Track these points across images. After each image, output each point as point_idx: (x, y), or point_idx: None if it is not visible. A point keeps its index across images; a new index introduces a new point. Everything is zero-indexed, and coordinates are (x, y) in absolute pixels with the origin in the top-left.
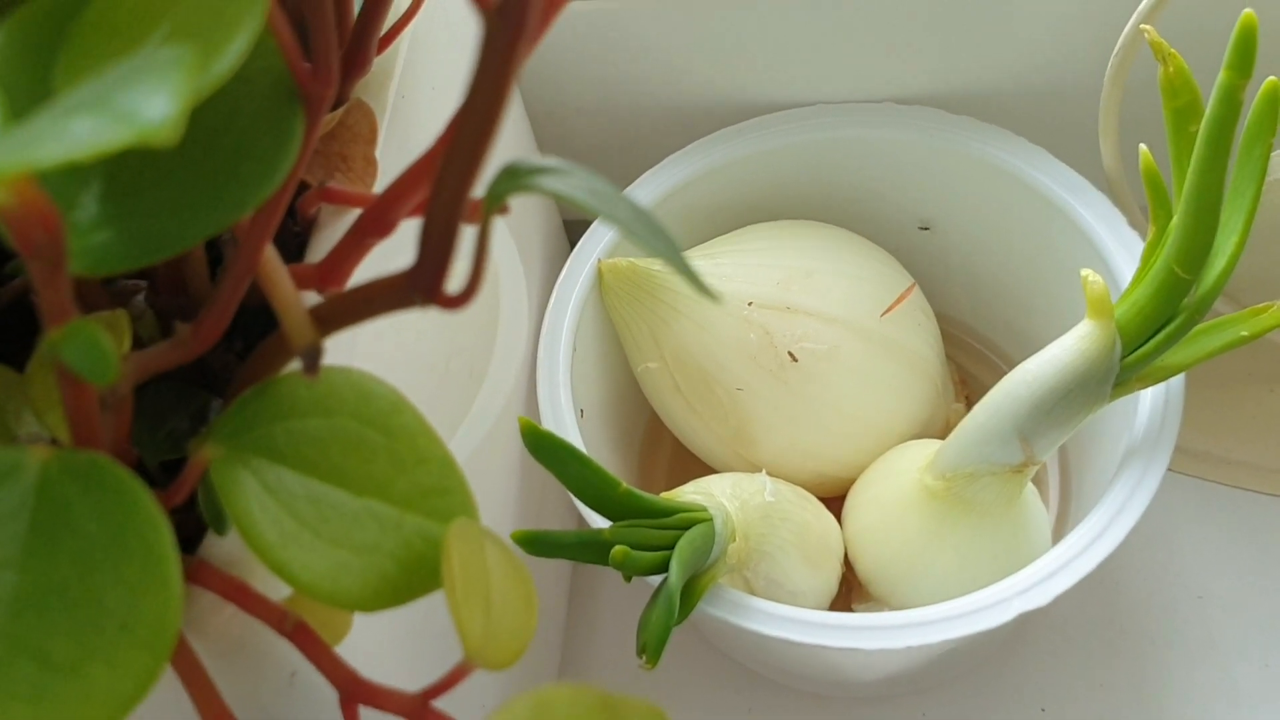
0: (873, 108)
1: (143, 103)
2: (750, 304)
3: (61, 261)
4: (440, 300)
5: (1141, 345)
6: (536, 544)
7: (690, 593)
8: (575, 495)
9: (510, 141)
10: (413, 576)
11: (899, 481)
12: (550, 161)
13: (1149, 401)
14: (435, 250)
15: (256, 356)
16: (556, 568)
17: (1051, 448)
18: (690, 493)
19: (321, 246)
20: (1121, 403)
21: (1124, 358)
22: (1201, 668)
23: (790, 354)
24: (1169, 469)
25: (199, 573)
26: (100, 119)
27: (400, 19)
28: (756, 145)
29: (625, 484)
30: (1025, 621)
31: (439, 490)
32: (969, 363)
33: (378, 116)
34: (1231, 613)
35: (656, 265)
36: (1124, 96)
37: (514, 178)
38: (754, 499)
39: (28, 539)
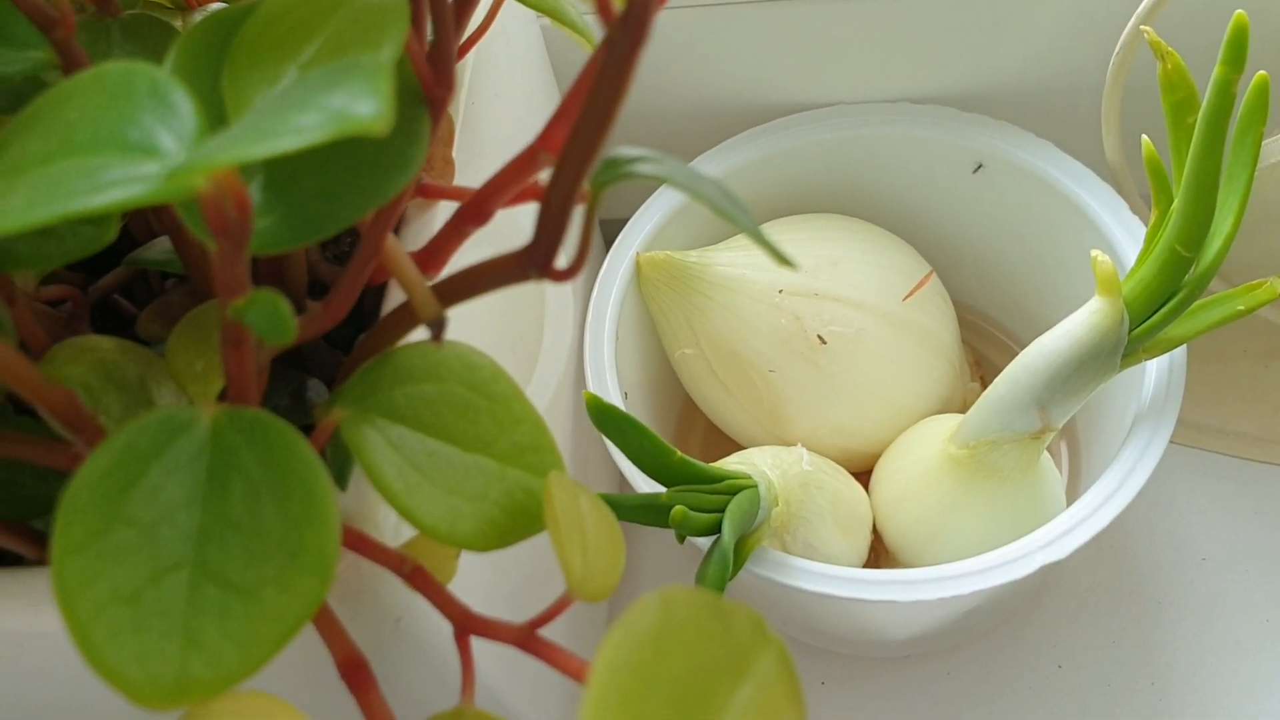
0: (889, 107)
1: (352, 103)
2: (781, 291)
3: (246, 240)
4: (552, 274)
5: (1147, 319)
6: None
7: (738, 553)
8: (634, 462)
9: None
10: (516, 522)
11: (924, 453)
12: (642, 151)
13: (1154, 371)
14: (550, 230)
15: (375, 331)
16: None
17: (1066, 415)
18: (734, 463)
19: (409, 240)
20: (1127, 374)
21: (1131, 331)
22: (1206, 624)
23: (820, 337)
24: (1171, 441)
25: None
26: (318, 115)
27: (474, 33)
28: (781, 144)
29: (680, 452)
30: (1041, 585)
31: (533, 448)
32: (982, 345)
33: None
34: (1232, 573)
35: (692, 257)
36: (1124, 93)
37: (616, 166)
38: (793, 468)
39: (206, 481)
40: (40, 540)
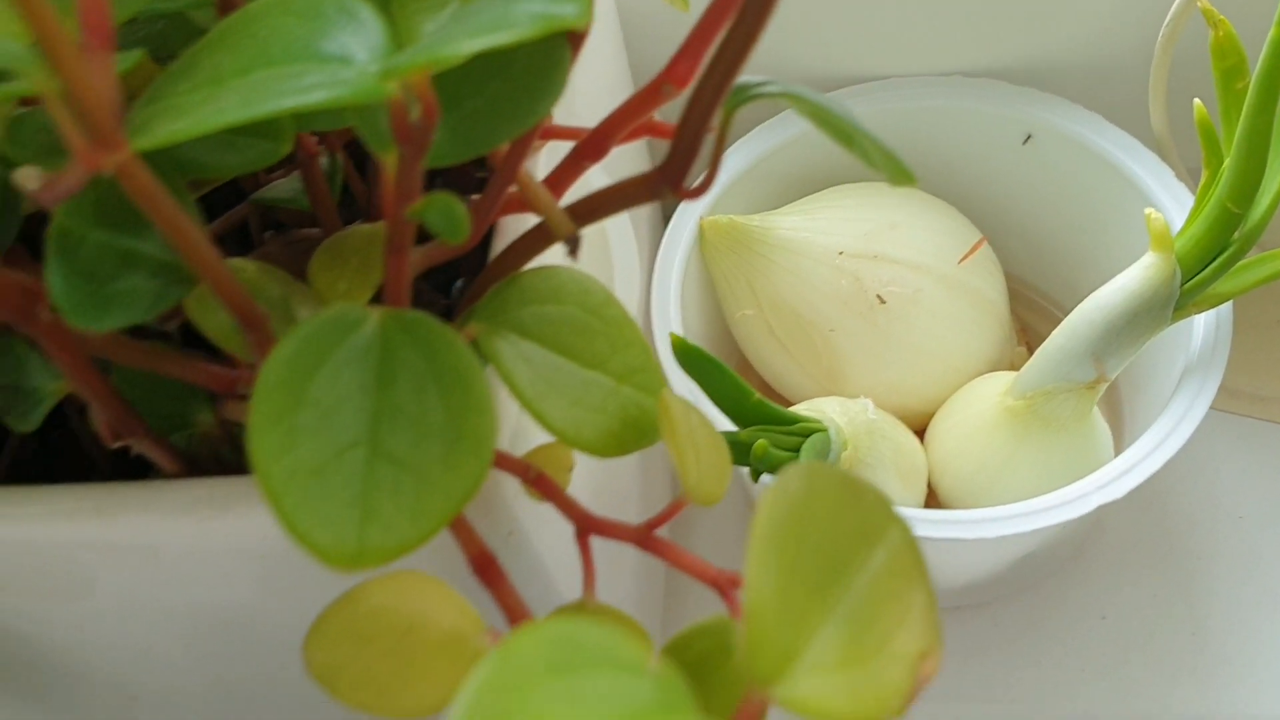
0: (942, 80)
1: (553, 4)
2: (841, 253)
3: (427, 146)
4: (683, 193)
5: (1198, 274)
6: None
7: None
8: (714, 401)
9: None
10: (630, 433)
11: (980, 406)
12: (766, 79)
13: (1202, 325)
14: (684, 152)
15: (503, 256)
16: (661, 485)
17: (1120, 366)
18: (804, 410)
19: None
20: (1171, 334)
21: (1183, 285)
22: (1243, 578)
23: (879, 297)
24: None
25: None
26: (525, 15)
27: None
28: None
29: (757, 394)
30: (1085, 541)
31: (642, 369)
32: (1028, 314)
33: None
34: (1268, 530)
35: (755, 221)
36: (1170, 65)
37: (745, 90)
38: (859, 417)
39: (376, 372)
40: (176, 455)
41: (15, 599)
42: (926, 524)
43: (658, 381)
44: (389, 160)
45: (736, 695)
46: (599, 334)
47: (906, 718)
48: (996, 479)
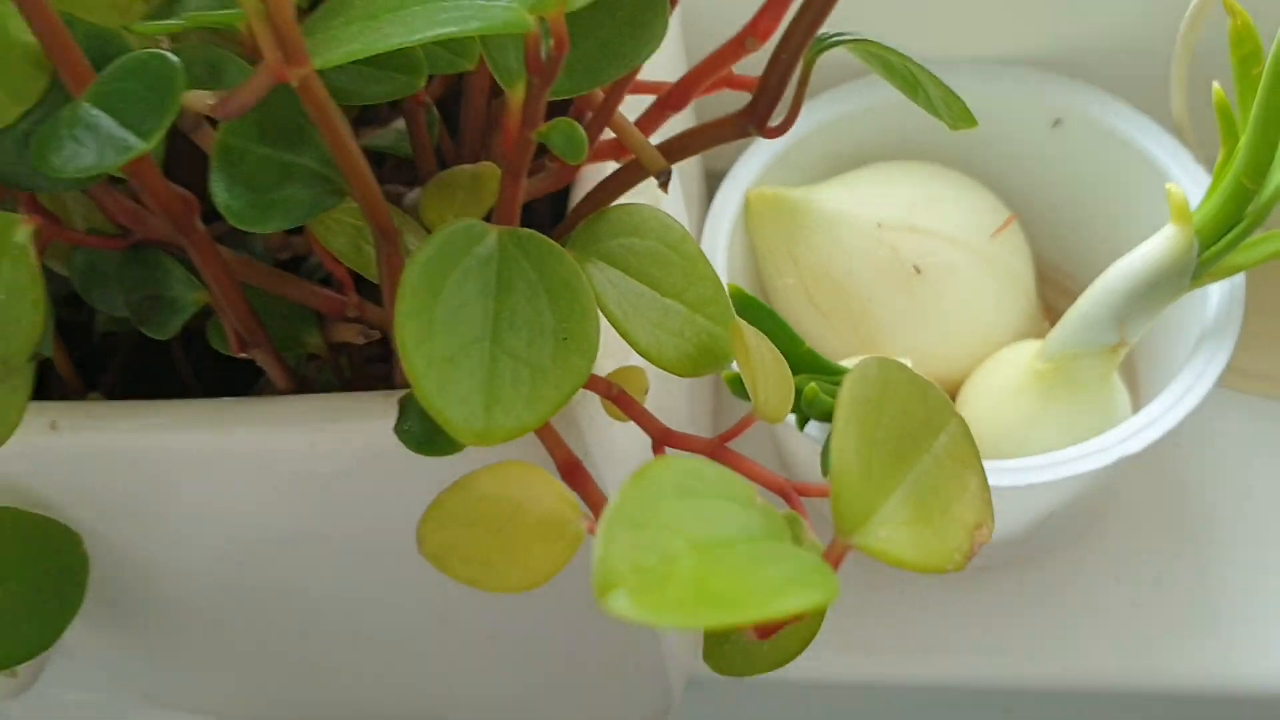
0: (975, 67)
1: None
2: (880, 225)
3: (554, 76)
4: (766, 130)
5: (1214, 244)
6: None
7: None
8: None
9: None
10: (704, 358)
11: (1009, 371)
12: (842, 30)
13: (1217, 295)
14: (770, 93)
15: (594, 192)
16: (704, 414)
17: (1141, 331)
18: (848, 365)
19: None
20: (1185, 305)
21: (1199, 255)
22: (1250, 546)
23: (916, 267)
24: (1221, 385)
25: None
26: None
27: None
28: (876, 98)
29: (807, 344)
30: (1102, 509)
31: (713, 301)
32: (1052, 295)
33: None
34: (1275, 501)
35: (798, 193)
36: (1191, 55)
37: (823, 40)
38: None
39: (496, 279)
40: (290, 371)
41: (117, 518)
42: None
43: (727, 313)
44: (516, 91)
45: None
46: (677, 267)
47: (927, 674)
48: (1024, 439)
